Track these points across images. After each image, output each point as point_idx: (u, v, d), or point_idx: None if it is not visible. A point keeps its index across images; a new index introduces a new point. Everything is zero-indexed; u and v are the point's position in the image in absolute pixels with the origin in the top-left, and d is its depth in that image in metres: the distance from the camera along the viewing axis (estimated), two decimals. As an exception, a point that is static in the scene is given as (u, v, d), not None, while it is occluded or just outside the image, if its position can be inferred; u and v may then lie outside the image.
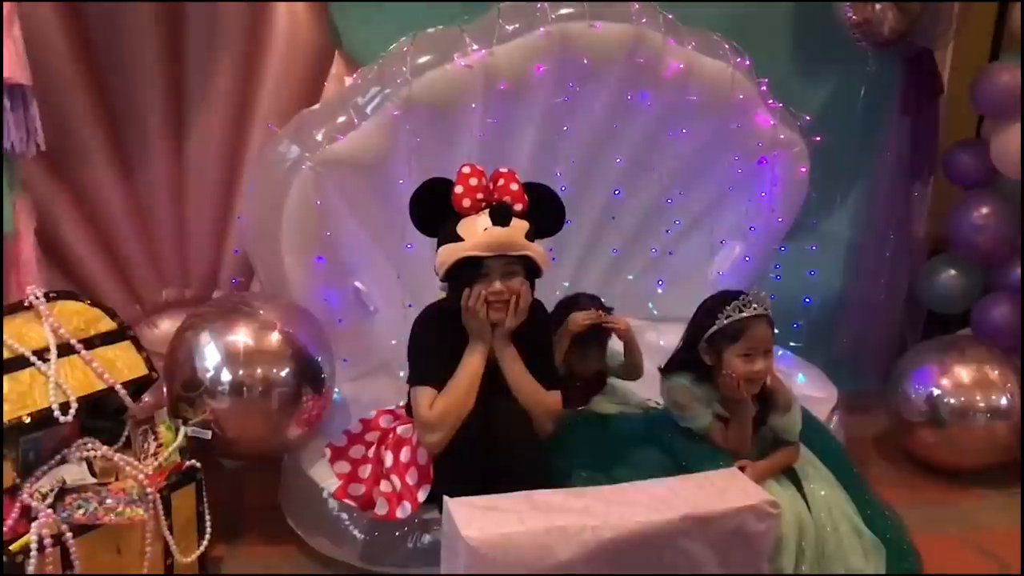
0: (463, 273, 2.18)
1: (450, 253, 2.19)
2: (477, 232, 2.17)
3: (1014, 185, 3.30)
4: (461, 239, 2.18)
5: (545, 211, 2.30)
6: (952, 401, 2.94)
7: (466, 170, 2.22)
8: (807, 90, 3.29)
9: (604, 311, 2.50)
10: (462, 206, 2.19)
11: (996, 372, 2.97)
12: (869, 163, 3.48)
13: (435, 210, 2.23)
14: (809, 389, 2.96)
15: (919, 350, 3.16)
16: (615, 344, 2.56)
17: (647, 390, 2.56)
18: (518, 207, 2.21)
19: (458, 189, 2.19)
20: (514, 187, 2.23)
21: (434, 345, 2.27)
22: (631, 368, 2.55)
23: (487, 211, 2.19)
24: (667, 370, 2.38)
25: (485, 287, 2.18)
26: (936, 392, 2.97)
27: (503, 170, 2.26)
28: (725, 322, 2.23)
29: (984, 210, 3.35)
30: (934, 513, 2.82)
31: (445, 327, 2.27)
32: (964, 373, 2.97)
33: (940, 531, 2.72)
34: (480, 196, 2.20)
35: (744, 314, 2.22)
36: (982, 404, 2.92)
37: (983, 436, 2.94)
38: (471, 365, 2.22)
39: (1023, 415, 2.94)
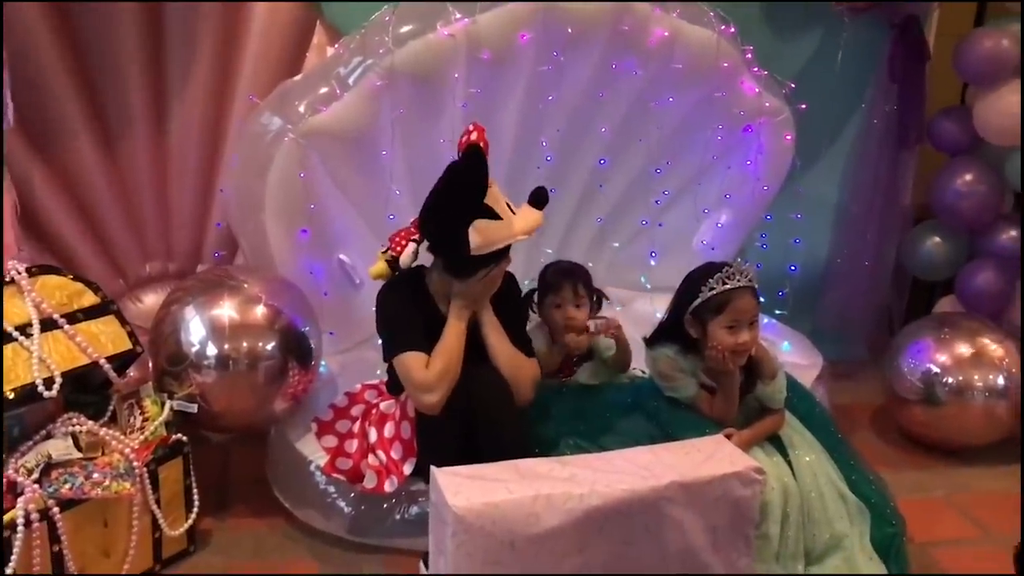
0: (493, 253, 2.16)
1: (504, 234, 2.14)
2: (506, 210, 2.16)
3: (997, 152, 3.31)
4: (497, 216, 2.14)
5: None
6: (949, 380, 2.90)
7: (470, 127, 2.16)
8: (785, 56, 3.27)
9: (588, 289, 2.48)
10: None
11: (994, 350, 2.92)
12: (851, 130, 3.47)
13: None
14: (794, 356, 2.98)
15: (916, 326, 3.13)
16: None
17: (634, 360, 2.56)
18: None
19: (480, 143, 2.12)
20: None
21: (410, 314, 2.26)
22: (619, 362, 2.54)
23: (496, 186, 2.16)
24: (652, 341, 2.38)
25: (503, 262, 2.21)
26: (933, 370, 2.93)
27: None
28: (709, 294, 2.22)
29: (968, 177, 3.35)
30: (919, 478, 2.86)
31: (414, 297, 2.27)
32: (961, 351, 2.92)
33: (925, 495, 2.76)
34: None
35: (728, 286, 2.21)
36: (979, 383, 2.88)
37: (980, 415, 2.91)
38: (459, 327, 2.22)
39: (1023, 392, 2.94)
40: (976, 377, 2.89)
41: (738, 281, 2.22)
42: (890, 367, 3.06)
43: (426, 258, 2.32)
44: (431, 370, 2.17)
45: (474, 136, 2.13)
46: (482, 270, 2.19)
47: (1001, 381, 2.88)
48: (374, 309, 2.35)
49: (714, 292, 2.22)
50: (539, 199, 2.27)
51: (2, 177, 2.39)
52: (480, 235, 2.11)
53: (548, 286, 2.49)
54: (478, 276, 2.19)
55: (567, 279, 2.47)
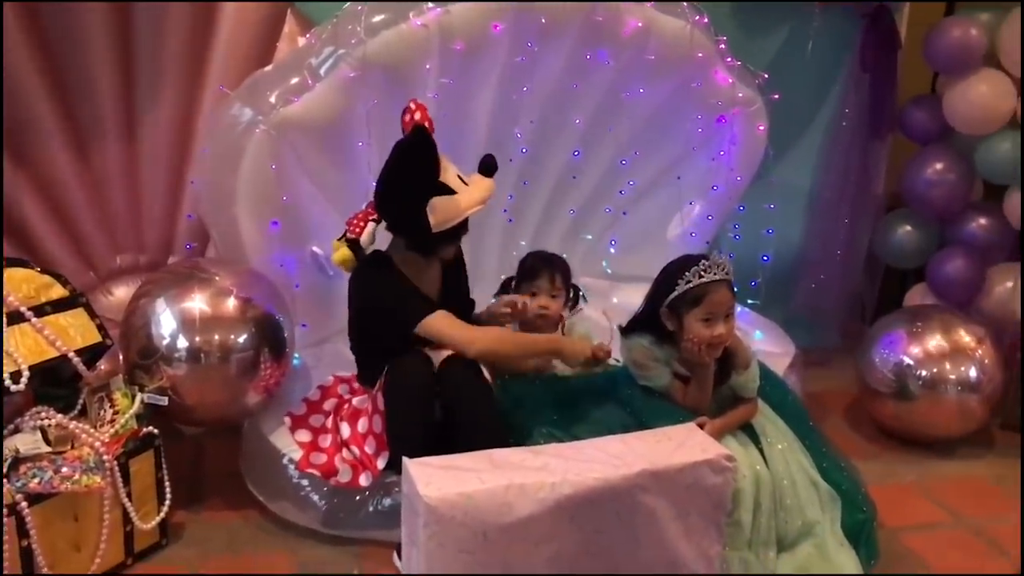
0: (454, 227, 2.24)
1: (461, 207, 2.22)
2: (458, 183, 2.23)
3: (967, 140, 3.34)
4: (451, 190, 2.21)
5: None
6: (922, 373, 2.87)
7: (412, 105, 2.22)
8: (758, 46, 3.29)
9: (566, 281, 2.50)
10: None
11: (967, 342, 2.89)
12: (823, 120, 3.49)
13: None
14: (767, 345, 3.00)
15: (889, 319, 3.09)
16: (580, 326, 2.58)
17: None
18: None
19: (424, 123, 2.19)
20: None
21: (406, 284, 2.30)
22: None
23: (446, 160, 2.23)
24: (627, 331, 2.39)
25: (462, 234, 2.31)
26: (906, 362, 2.90)
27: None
28: (686, 287, 2.23)
29: (938, 165, 3.39)
30: (890, 465, 2.88)
31: (397, 273, 2.32)
32: (934, 343, 2.89)
33: (895, 481, 2.78)
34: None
35: (705, 279, 2.22)
36: (952, 376, 2.85)
37: (953, 409, 2.88)
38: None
39: (1022, 387, 2.98)
40: (949, 370, 2.86)
41: (715, 274, 2.23)
42: (862, 360, 3.04)
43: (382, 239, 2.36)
44: (483, 331, 2.29)
45: (417, 115, 2.18)
46: (444, 245, 2.26)
47: (973, 373, 2.86)
48: (348, 303, 2.36)
49: (691, 285, 2.23)
50: (488, 167, 2.33)
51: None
52: (438, 213, 2.19)
53: (525, 274, 2.50)
54: (441, 251, 2.26)
55: (545, 268, 2.49)
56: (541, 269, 2.49)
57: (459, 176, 2.29)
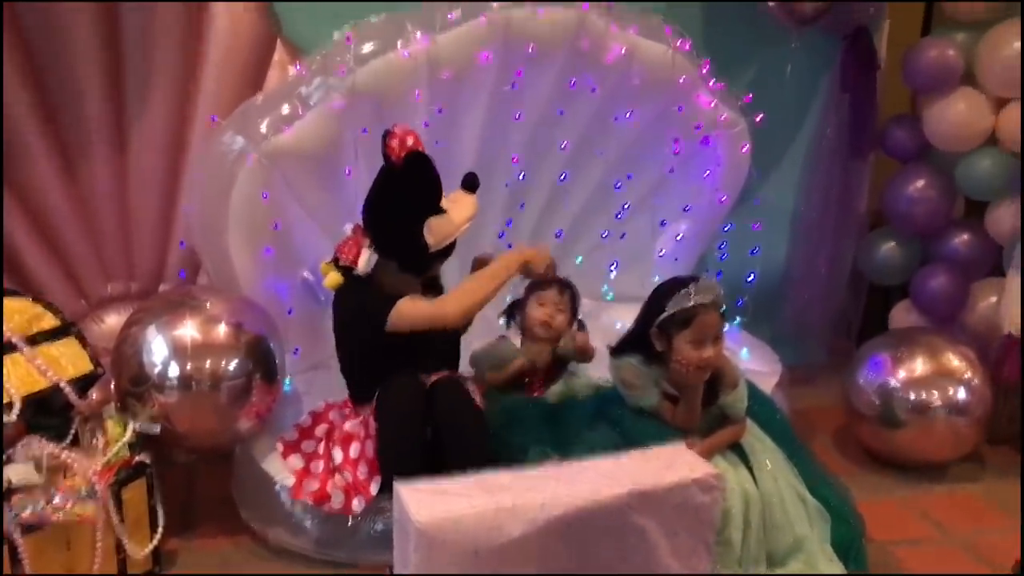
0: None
1: (455, 226, 2.32)
2: (457, 201, 2.32)
3: (948, 158, 3.39)
4: (442, 209, 2.29)
5: None
6: (911, 397, 2.84)
7: (398, 131, 2.25)
8: (739, 68, 3.32)
9: (572, 303, 2.56)
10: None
11: (955, 366, 2.86)
12: (805, 139, 3.54)
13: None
14: (754, 364, 3.03)
15: (874, 343, 3.06)
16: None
17: (599, 368, 2.59)
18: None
19: (418, 148, 2.26)
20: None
21: (379, 294, 2.31)
22: (583, 355, 2.59)
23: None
24: (616, 351, 2.41)
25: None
26: (892, 384, 2.87)
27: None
28: (675, 310, 2.26)
29: (919, 183, 3.43)
30: (878, 481, 2.91)
31: (374, 285, 2.35)
32: (919, 367, 2.86)
33: (883, 497, 2.80)
34: None
35: (695, 301, 2.25)
36: (939, 401, 2.81)
37: (943, 434, 2.85)
38: (500, 272, 2.36)
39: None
40: (937, 396, 2.82)
41: (704, 297, 2.25)
42: (849, 383, 3.01)
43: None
44: (448, 295, 2.35)
45: (410, 141, 2.22)
46: (436, 263, 2.35)
47: (963, 396, 2.82)
48: (332, 326, 2.39)
49: (680, 308, 2.25)
50: (471, 184, 2.41)
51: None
52: (435, 233, 2.28)
53: (536, 284, 2.54)
54: (433, 270, 2.34)
55: (556, 283, 2.54)
56: (552, 282, 2.53)
57: (461, 198, 2.37)
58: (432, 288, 2.48)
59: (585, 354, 2.56)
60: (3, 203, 2.74)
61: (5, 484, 2.02)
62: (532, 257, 2.40)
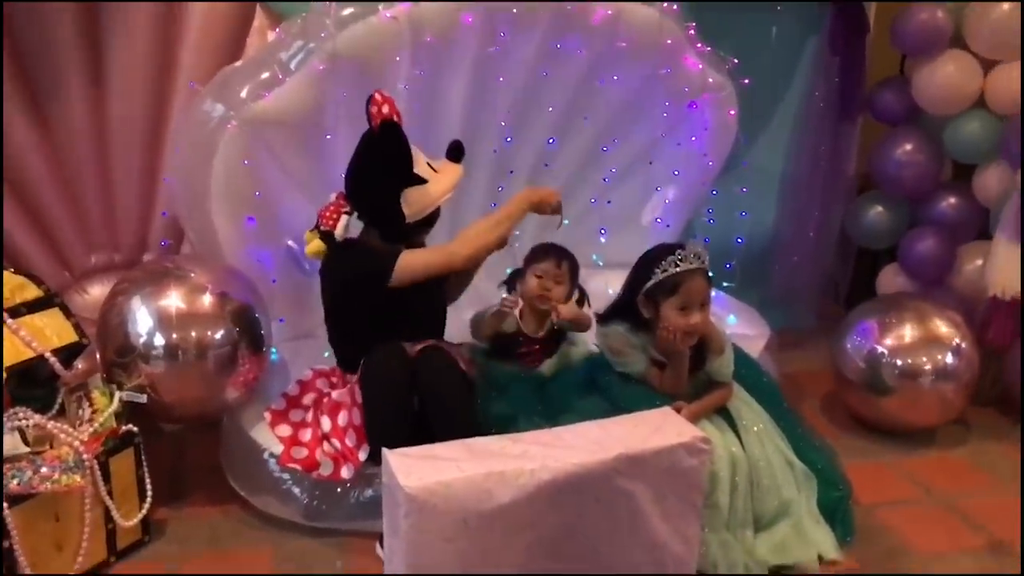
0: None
1: (436, 196, 2.31)
2: (428, 171, 2.30)
3: (936, 121, 3.38)
4: (423, 180, 2.28)
5: None
6: (898, 363, 2.82)
7: (378, 97, 2.24)
8: (727, 31, 3.27)
9: (572, 274, 2.54)
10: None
11: (941, 331, 2.84)
12: (794, 103, 3.52)
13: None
14: (742, 328, 3.04)
15: (862, 309, 3.04)
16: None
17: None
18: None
19: (392, 117, 2.23)
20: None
21: (370, 249, 2.33)
22: (579, 324, 2.58)
23: (415, 148, 2.29)
24: (604, 319, 2.41)
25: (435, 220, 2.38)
26: (880, 352, 2.85)
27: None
28: (662, 276, 2.26)
29: (908, 147, 3.43)
30: (864, 443, 2.92)
31: (362, 245, 2.37)
32: (908, 333, 2.84)
33: (869, 459, 2.82)
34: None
35: (680, 268, 2.25)
36: (927, 367, 2.80)
37: (930, 400, 2.84)
38: (506, 219, 2.37)
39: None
40: (924, 360, 2.81)
41: (691, 263, 2.26)
42: (836, 349, 3.00)
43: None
44: (454, 242, 2.35)
45: (385, 109, 2.21)
46: (418, 234, 2.33)
47: (950, 361, 2.81)
48: (321, 292, 2.39)
49: (667, 274, 2.26)
50: (456, 153, 2.41)
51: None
52: (412, 204, 2.27)
53: (533, 256, 2.53)
54: (415, 240, 2.32)
55: (553, 253, 2.52)
56: (548, 252, 2.52)
57: (428, 164, 2.35)
58: None
59: (580, 324, 2.55)
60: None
61: (-10, 456, 2.02)
62: (542, 197, 2.42)
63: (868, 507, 2.52)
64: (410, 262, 2.28)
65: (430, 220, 2.37)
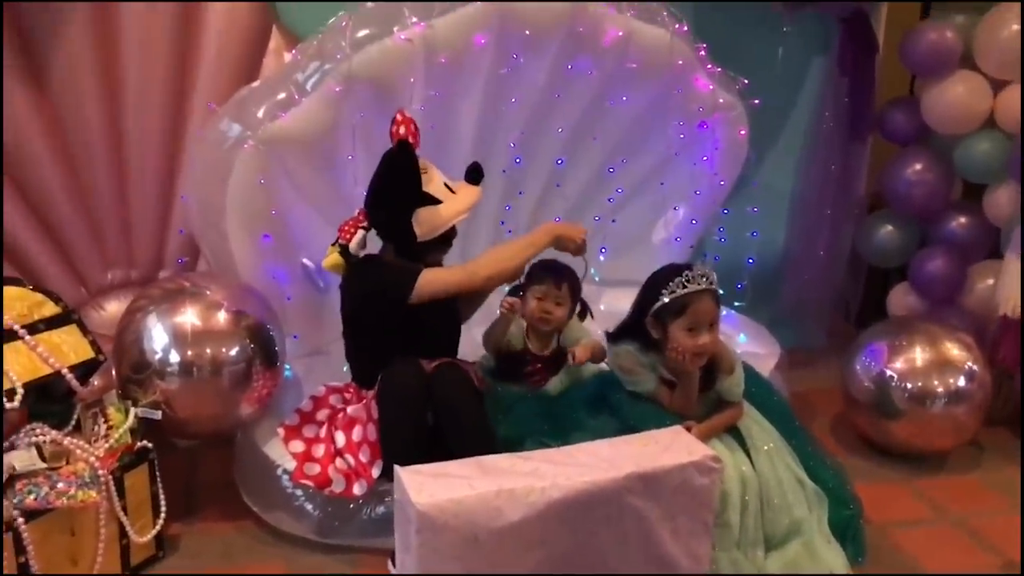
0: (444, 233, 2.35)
1: (446, 216, 2.32)
2: (445, 191, 2.33)
3: (946, 141, 3.39)
4: (436, 200, 2.30)
5: None
6: (908, 387, 2.79)
7: (399, 117, 2.29)
8: (737, 51, 3.27)
9: (573, 292, 2.54)
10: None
11: (953, 355, 2.81)
12: (804, 122, 3.53)
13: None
14: (752, 346, 3.04)
15: (872, 331, 3.01)
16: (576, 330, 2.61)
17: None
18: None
19: (408, 137, 2.27)
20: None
21: (391, 265, 2.36)
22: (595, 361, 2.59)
23: (429, 166, 2.32)
24: (614, 337, 2.42)
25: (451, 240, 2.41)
26: (889, 375, 2.82)
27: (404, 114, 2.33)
28: (669, 298, 2.27)
29: (918, 166, 3.43)
30: (875, 463, 2.92)
31: (383, 261, 2.41)
32: (918, 356, 2.81)
33: (881, 479, 2.82)
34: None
35: (689, 289, 2.26)
36: (939, 391, 2.77)
37: (941, 423, 2.80)
38: (530, 245, 2.43)
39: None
40: (935, 384, 2.77)
41: (699, 284, 2.26)
42: (846, 371, 2.97)
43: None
44: (476, 261, 2.41)
45: (402, 130, 2.26)
46: (432, 252, 2.35)
47: (963, 384, 2.78)
48: (340, 307, 2.43)
49: (675, 295, 2.26)
50: (474, 175, 2.43)
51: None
52: (423, 224, 2.30)
53: (533, 277, 2.54)
54: (430, 258, 2.35)
55: (553, 274, 2.53)
56: (548, 274, 2.53)
57: (446, 184, 2.37)
58: None
59: (597, 358, 2.55)
60: (3, 193, 2.74)
61: (8, 471, 2.03)
62: (564, 232, 2.46)
63: (880, 526, 2.51)
64: (431, 280, 2.31)
65: (445, 240, 2.40)
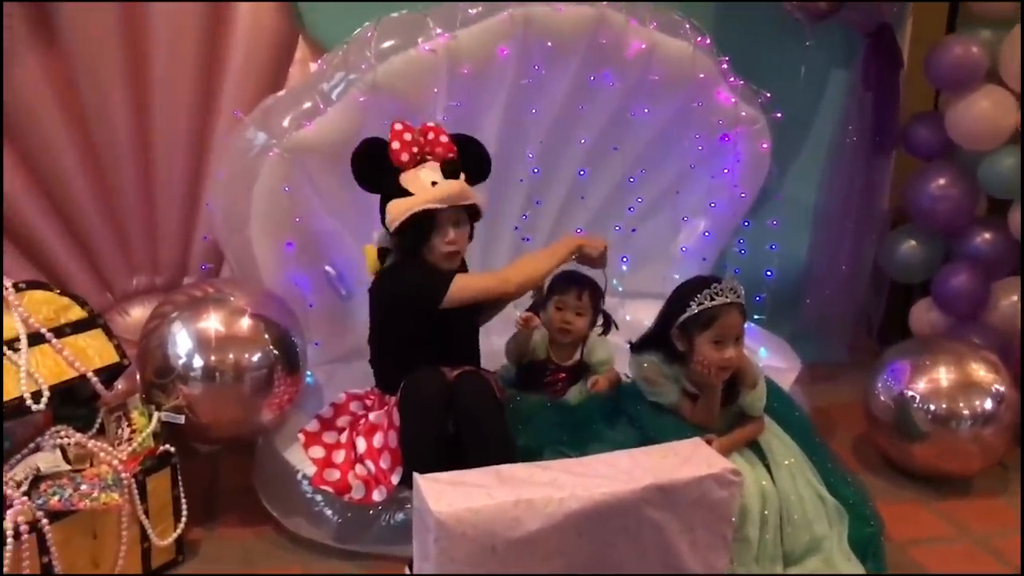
0: (417, 225, 2.31)
1: (405, 207, 2.31)
2: (426, 186, 2.31)
3: (971, 156, 3.37)
4: (409, 193, 2.31)
5: (473, 160, 2.44)
6: (932, 409, 2.73)
7: (398, 127, 2.33)
8: (760, 64, 3.28)
9: (594, 303, 2.55)
10: (401, 160, 2.32)
11: (979, 375, 2.74)
12: (827, 136, 3.52)
13: (375, 167, 2.35)
14: (773, 360, 3.03)
15: (896, 350, 2.96)
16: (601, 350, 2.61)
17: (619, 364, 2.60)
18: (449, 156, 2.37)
19: (394, 145, 2.32)
20: (444, 139, 2.36)
21: (423, 267, 2.37)
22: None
23: (428, 165, 2.33)
24: (638, 348, 2.42)
25: (442, 238, 2.33)
26: (911, 396, 2.77)
27: (431, 124, 2.38)
28: (697, 310, 2.26)
29: (942, 181, 3.41)
30: (896, 479, 2.89)
31: (413, 263, 2.40)
32: (943, 376, 2.75)
33: (902, 495, 2.80)
34: (415, 150, 2.33)
35: (716, 302, 2.25)
36: (966, 411, 2.71)
37: (966, 446, 2.74)
38: (557, 253, 2.49)
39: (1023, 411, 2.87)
40: (962, 404, 2.71)
41: (727, 298, 2.26)
42: (869, 392, 2.92)
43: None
44: (507, 269, 2.48)
45: (395, 144, 2.32)
46: (419, 246, 2.35)
47: (989, 406, 2.72)
48: (361, 319, 2.43)
49: (702, 307, 2.26)
50: (448, 169, 2.37)
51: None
52: (391, 212, 2.33)
53: (554, 287, 2.54)
54: (423, 252, 2.35)
55: (574, 285, 2.53)
56: (569, 284, 2.53)
57: (434, 182, 2.34)
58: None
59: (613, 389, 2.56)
60: (3, 196, 2.78)
61: (33, 472, 2.06)
62: (586, 244, 2.50)
63: (900, 544, 2.49)
64: (464, 286, 2.34)
65: (421, 233, 2.33)
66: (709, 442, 2.21)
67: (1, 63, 2.59)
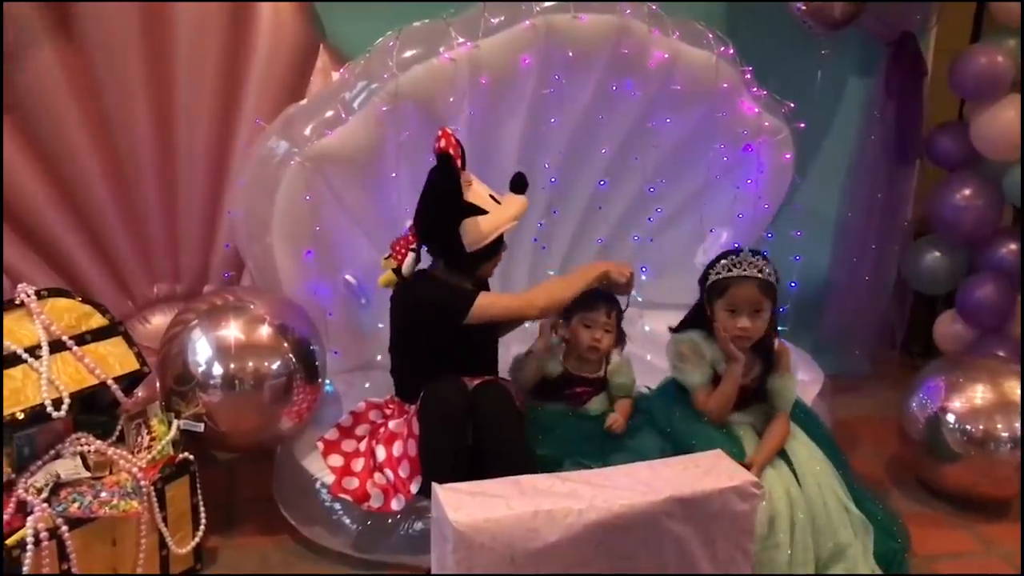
0: (493, 243, 2.36)
1: (494, 224, 2.34)
2: (488, 200, 2.35)
3: (995, 166, 3.33)
4: (482, 210, 2.31)
5: None
6: (968, 428, 2.65)
7: (440, 132, 2.31)
8: (771, 73, 3.24)
9: (618, 322, 2.54)
10: (459, 168, 2.31)
11: (1016, 394, 2.65)
12: (850, 146, 3.50)
13: (455, 187, 2.33)
14: (796, 373, 2.98)
15: (929, 369, 2.88)
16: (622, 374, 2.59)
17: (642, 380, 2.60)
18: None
19: (449, 150, 2.29)
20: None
21: (447, 284, 2.39)
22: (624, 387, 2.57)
23: (469, 177, 2.35)
24: (678, 328, 2.48)
25: (501, 250, 2.43)
26: (946, 416, 2.69)
27: (447, 128, 2.36)
28: (715, 277, 2.36)
29: (966, 191, 3.38)
30: (920, 492, 2.86)
31: (436, 278, 2.43)
32: (979, 396, 2.66)
33: (925, 508, 2.77)
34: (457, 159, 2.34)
35: (732, 273, 2.33)
36: (1005, 433, 2.62)
37: (1003, 468, 2.65)
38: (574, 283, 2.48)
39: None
40: (1000, 426, 2.63)
41: (743, 271, 2.32)
42: (903, 408, 2.84)
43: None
44: (533, 291, 2.50)
45: (442, 143, 2.27)
46: (482, 263, 2.37)
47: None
48: (391, 321, 2.47)
49: (719, 276, 2.35)
50: (518, 185, 2.45)
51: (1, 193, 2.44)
52: (469, 234, 2.31)
53: (584, 304, 2.51)
54: (481, 269, 2.39)
55: (605, 303, 2.52)
56: (599, 302, 2.51)
57: (492, 196, 2.39)
58: (482, 289, 2.50)
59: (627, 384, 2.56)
60: (3, 203, 2.80)
61: (53, 479, 2.07)
62: (613, 269, 2.49)
63: (924, 559, 2.46)
64: (486, 305, 2.34)
65: (492, 251, 2.39)
66: (748, 466, 2.21)
67: (1, 63, 2.60)
